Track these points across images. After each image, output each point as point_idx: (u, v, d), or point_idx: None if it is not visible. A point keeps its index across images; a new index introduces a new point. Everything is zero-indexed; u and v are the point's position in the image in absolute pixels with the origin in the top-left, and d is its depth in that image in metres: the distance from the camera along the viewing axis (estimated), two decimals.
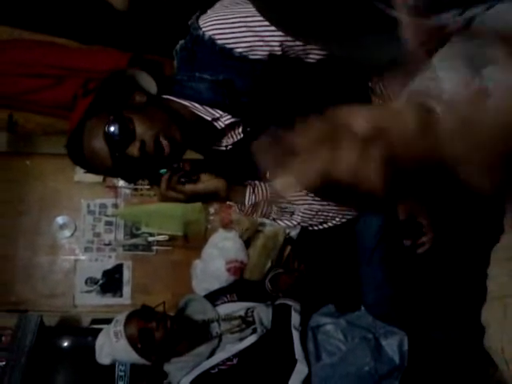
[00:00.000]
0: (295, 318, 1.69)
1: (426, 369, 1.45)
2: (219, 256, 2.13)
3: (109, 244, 2.44)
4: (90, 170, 1.24)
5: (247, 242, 2.18)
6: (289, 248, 2.07)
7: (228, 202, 1.64)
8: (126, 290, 2.43)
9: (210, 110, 1.19)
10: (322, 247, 1.73)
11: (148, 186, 1.34)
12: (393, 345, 1.54)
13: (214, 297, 1.90)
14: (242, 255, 2.13)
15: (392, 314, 1.48)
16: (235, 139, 1.26)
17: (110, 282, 2.43)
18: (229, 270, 2.10)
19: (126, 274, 2.44)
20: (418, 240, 1.29)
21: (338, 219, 1.29)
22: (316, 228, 1.31)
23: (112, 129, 1.11)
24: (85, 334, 2.19)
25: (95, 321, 2.28)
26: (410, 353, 1.51)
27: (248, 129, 1.23)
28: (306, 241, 1.91)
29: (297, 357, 1.60)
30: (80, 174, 2.28)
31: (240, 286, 1.97)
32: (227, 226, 2.23)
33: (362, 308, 1.59)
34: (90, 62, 1.30)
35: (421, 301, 1.39)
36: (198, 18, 1.12)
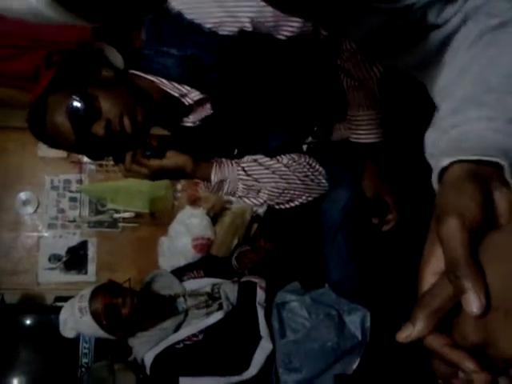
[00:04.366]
0: (260, 295, 1.70)
1: (387, 345, 1.49)
2: (186, 233, 2.12)
3: (73, 221, 2.41)
4: (52, 145, 1.22)
5: (214, 219, 2.18)
6: (256, 226, 2.08)
7: (194, 179, 1.63)
8: (91, 267, 2.41)
9: (177, 85, 1.17)
10: (288, 225, 1.74)
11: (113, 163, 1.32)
12: (356, 321, 1.57)
13: (180, 272, 1.90)
14: (209, 232, 2.14)
15: (355, 292, 1.50)
16: (203, 116, 1.25)
17: (75, 259, 2.40)
18: (195, 246, 2.10)
19: (91, 251, 2.41)
20: (383, 218, 1.32)
21: (304, 198, 1.30)
22: (282, 206, 1.32)
23: (76, 106, 1.08)
24: (48, 311, 2.17)
25: (59, 298, 2.26)
26: (373, 329, 1.55)
27: (217, 105, 1.22)
28: (272, 218, 1.92)
29: (261, 333, 1.62)
30: (44, 149, 2.22)
31: (207, 263, 1.97)
32: (194, 202, 2.23)
33: (326, 285, 1.61)
34: (53, 33, 1.25)
35: (385, 278, 1.41)
36: None
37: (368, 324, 1.56)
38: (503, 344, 0.40)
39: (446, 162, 0.47)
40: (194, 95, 1.19)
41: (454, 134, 0.50)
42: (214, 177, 1.26)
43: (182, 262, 2.01)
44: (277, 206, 1.32)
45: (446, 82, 0.60)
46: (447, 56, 0.61)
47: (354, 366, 1.56)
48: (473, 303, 0.40)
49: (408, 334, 0.42)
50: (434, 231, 0.43)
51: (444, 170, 0.47)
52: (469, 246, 0.41)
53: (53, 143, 1.19)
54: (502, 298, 0.40)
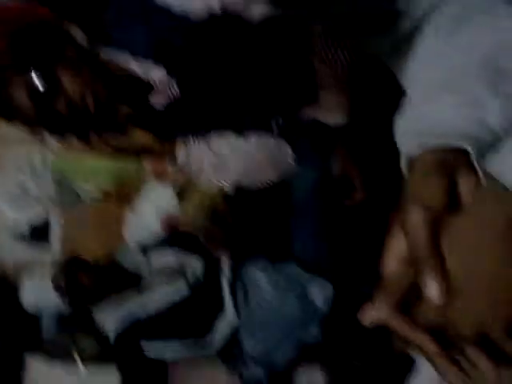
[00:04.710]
0: (226, 270, 1.73)
1: (351, 319, 1.53)
2: (152, 210, 2.11)
3: (36, 198, 2.35)
4: (12, 122, 1.19)
5: (181, 196, 2.17)
6: (223, 202, 2.08)
7: (162, 158, 1.63)
8: (55, 244, 2.37)
9: (143, 64, 1.16)
10: (255, 203, 1.75)
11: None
12: (319, 294, 1.60)
13: (147, 249, 1.90)
14: (176, 208, 2.13)
15: (321, 267, 1.54)
16: (170, 95, 1.24)
17: (38, 235, 2.36)
18: (162, 223, 2.09)
19: (55, 229, 2.37)
20: (350, 196, 1.34)
21: (272, 177, 1.31)
22: (250, 186, 1.33)
23: (38, 83, 1.06)
24: (10, 287, 2.13)
25: (21, 274, 2.22)
26: (337, 303, 1.58)
27: (183, 85, 1.21)
28: (240, 195, 1.92)
29: (226, 306, 1.65)
30: (4, 125, 2.14)
31: (173, 239, 1.97)
32: (161, 179, 2.20)
33: (292, 259, 1.63)
34: (14, 11, 1.20)
35: (351, 255, 1.44)
36: None
37: (330, 296, 1.59)
38: (462, 324, 0.43)
39: (414, 148, 0.48)
40: (160, 74, 1.17)
41: (423, 121, 0.51)
42: (181, 155, 1.25)
43: (148, 239, 2.00)
44: (244, 186, 1.33)
45: (416, 67, 0.60)
46: (417, 42, 0.61)
47: (317, 337, 1.60)
48: (434, 290, 0.42)
49: (370, 316, 0.44)
50: (400, 218, 0.45)
51: (413, 156, 0.48)
52: (431, 235, 0.42)
53: (12, 119, 1.17)
54: (462, 280, 0.42)
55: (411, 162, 0.48)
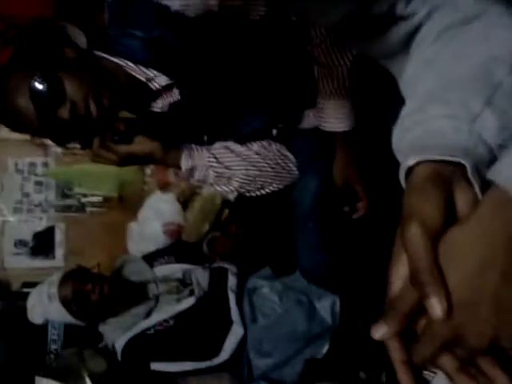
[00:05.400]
0: (232, 281, 1.70)
1: (356, 331, 1.50)
2: (155, 218, 2.09)
3: (39, 205, 2.34)
4: (14, 128, 1.17)
5: (184, 205, 2.16)
6: (226, 211, 2.06)
7: (165, 166, 1.61)
8: (59, 252, 2.35)
9: (144, 69, 1.14)
10: (259, 211, 1.74)
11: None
12: (326, 307, 1.58)
13: (151, 258, 1.88)
14: (179, 218, 2.11)
15: (326, 279, 1.52)
16: (172, 101, 1.22)
17: (42, 244, 2.34)
18: (165, 232, 2.08)
19: (59, 236, 2.35)
20: (353, 206, 1.33)
21: (274, 185, 1.30)
22: (253, 194, 1.31)
23: (40, 88, 1.04)
24: (15, 297, 2.12)
25: (26, 284, 2.21)
26: (342, 315, 1.56)
27: (185, 91, 1.19)
28: (243, 204, 1.91)
29: (233, 318, 1.62)
30: (6, 131, 2.14)
31: (177, 248, 1.95)
32: (164, 188, 2.19)
33: (297, 272, 1.62)
34: (10, 6, 1.17)
35: (355, 266, 1.42)
36: None
37: (338, 309, 1.57)
38: (471, 335, 0.43)
39: (411, 161, 0.47)
40: (162, 80, 1.15)
41: (418, 131, 0.51)
42: (184, 164, 1.24)
43: (151, 248, 1.98)
44: (247, 194, 1.31)
45: (411, 75, 0.60)
46: (413, 49, 0.61)
47: (324, 351, 1.58)
48: (435, 308, 0.42)
49: (382, 333, 0.45)
50: (400, 235, 0.45)
51: (410, 168, 0.48)
52: (430, 252, 0.43)
53: (15, 127, 1.15)
54: (465, 292, 0.43)
55: (408, 174, 0.48)
